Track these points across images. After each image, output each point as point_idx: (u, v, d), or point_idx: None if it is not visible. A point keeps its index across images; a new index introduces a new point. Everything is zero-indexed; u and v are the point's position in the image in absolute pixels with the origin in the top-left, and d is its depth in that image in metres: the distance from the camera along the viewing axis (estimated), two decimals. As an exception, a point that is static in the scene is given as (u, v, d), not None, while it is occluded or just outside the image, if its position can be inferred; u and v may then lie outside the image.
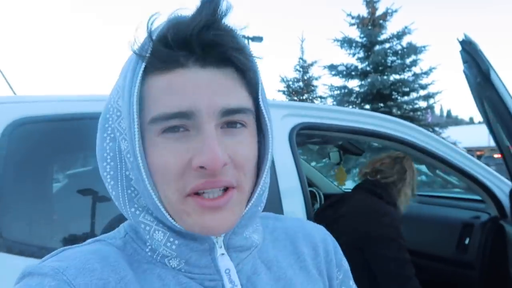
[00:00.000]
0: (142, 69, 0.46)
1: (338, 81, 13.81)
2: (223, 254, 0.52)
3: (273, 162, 1.51)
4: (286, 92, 16.35)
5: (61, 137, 1.37)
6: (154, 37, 0.45)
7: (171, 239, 0.50)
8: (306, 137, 2.38)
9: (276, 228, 0.63)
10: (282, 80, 16.20)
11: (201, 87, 0.45)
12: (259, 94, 0.51)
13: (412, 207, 2.69)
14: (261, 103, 0.51)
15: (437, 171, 2.14)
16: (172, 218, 0.48)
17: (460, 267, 2.12)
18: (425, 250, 2.35)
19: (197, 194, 0.46)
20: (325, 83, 14.90)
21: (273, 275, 0.56)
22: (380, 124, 1.84)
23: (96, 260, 0.48)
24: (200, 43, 0.45)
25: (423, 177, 4.85)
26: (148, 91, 0.47)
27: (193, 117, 0.45)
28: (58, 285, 0.44)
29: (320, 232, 0.66)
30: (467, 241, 2.11)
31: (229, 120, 0.47)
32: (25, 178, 1.28)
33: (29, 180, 1.30)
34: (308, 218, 1.52)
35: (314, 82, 16.34)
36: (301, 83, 16.19)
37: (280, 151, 1.56)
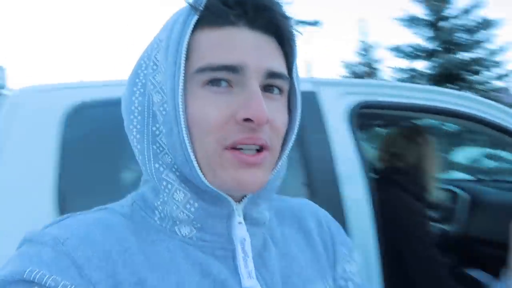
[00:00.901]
0: (194, 20, 0.47)
1: (404, 63, 13.09)
2: (240, 223, 0.52)
3: (329, 144, 1.36)
4: (349, 77, 15.87)
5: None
6: None
7: (191, 201, 0.49)
8: (368, 118, 2.17)
9: (281, 208, 0.63)
10: (345, 65, 15.73)
11: (249, 47, 0.47)
12: (294, 67, 0.53)
13: (491, 194, 2.39)
14: (294, 76, 0.53)
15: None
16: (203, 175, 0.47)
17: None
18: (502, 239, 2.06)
19: (234, 149, 0.46)
20: (389, 65, 14.20)
21: (280, 251, 0.57)
22: (456, 102, 1.59)
23: (99, 230, 0.47)
24: (254, 5, 0.47)
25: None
26: (196, 44, 0.47)
27: (240, 72, 0.46)
28: (56, 258, 0.43)
29: (322, 211, 0.67)
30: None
31: (270, 83, 0.48)
32: (87, 162, 1.28)
33: (92, 165, 1.29)
34: (374, 207, 1.34)
35: (378, 65, 15.72)
36: (364, 67, 15.63)
37: (338, 132, 1.39)
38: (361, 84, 1.56)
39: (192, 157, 0.46)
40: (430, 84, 11.63)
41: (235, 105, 0.46)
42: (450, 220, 2.43)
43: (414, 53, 11.95)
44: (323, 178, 1.33)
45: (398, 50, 12.16)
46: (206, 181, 0.47)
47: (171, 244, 0.49)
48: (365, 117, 2.11)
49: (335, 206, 1.29)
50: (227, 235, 0.51)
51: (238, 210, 0.52)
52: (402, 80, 12.43)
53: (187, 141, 0.46)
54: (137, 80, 0.51)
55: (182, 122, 0.46)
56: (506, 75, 11.50)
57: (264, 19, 0.48)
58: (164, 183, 0.49)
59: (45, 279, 0.41)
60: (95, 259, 0.45)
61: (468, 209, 2.36)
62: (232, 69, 0.46)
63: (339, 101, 1.44)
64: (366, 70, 14.87)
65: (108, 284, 0.44)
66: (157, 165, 0.50)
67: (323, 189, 1.31)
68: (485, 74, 11.67)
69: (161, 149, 0.50)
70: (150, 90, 0.49)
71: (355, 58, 15.18)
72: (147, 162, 0.50)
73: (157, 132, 0.49)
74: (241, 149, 0.47)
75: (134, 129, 0.51)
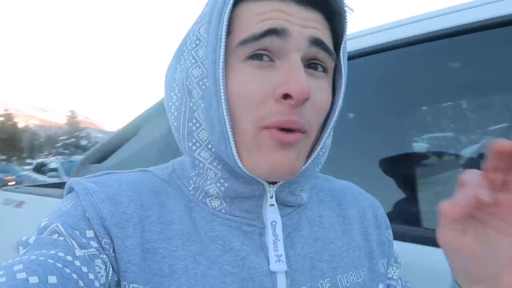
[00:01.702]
0: None
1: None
2: (272, 205, 0.51)
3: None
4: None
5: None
6: None
7: (222, 180, 0.49)
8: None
9: (323, 189, 0.61)
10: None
11: (294, 17, 0.46)
12: (342, 47, 0.50)
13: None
14: (342, 56, 0.50)
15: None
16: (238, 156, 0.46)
17: None
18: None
19: (271, 128, 0.46)
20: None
21: (314, 234, 0.55)
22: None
23: (128, 193, 0.49)
24: None
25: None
26: (239, 17, 0.47)
27: (283, 37, 0.44)
28: (85, 206, 0.47)
29: (369, 198, 0.64)
30: None
31: (314, 55, 0.47)
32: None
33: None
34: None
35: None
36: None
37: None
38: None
39: (230, 134, 0.45)
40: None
41: (277, 80, 0.45)
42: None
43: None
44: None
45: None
46: (239, 162, 0.46)
47: (199, 213, 0.50)
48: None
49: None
50: (257, 214, 0.51)
51: (270, 192, 0.51)
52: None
53: (226, 117, 0.45)
54: (181, 57, 0.51)
55: (222, 97, 0.45)
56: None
57: None
58: (197, 161, 0.50)
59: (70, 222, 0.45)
60: (116, 217, 0.47)
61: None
62: (275, 32, 0.44)
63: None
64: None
65: (126, 243, 0.46)
66: (190, 144, 0.50)
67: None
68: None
69: (197, 125, 0.49)
70: (190, 64, 0.49)
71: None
72: (181, 140, 0.51)
73: (194, 108, 0.49)
74: (281, 129, 0.45)
75: (173, 106, 0.51)
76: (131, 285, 0.45)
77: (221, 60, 0.45)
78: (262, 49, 0.45)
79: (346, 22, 0.49)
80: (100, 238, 0.45)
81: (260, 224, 0.51)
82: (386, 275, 0.59)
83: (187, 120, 0.50)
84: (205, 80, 0.47)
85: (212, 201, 0.51)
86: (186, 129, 0.50)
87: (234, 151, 0.46)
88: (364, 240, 0.58)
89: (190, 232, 0.49)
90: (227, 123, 0.45)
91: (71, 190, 0.51)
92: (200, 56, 0.48)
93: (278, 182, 0.50)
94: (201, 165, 0.50)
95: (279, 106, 0.44)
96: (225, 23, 0.45)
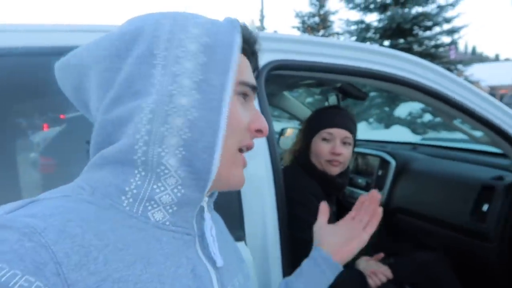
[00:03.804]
0: (241, 39, 0.57)
1: (356, 15, 12.91)
2: (207, 212, 0.61)
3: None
4: (301, 29, 15.59)
5: None
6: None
7: (179, 187, 0.52)
8: (292, 78, 1.95)
9: None
10: (297, 15, 15.36)
11: None
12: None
13: (419, 161, 2.29)
14: None
15: (455, 122, 1.68)
16: None
17: (475, 237, 1.72)
18: (432, 214, 1.97)
19: (241, 151, 0.59)
20: (342, 18, 13.93)
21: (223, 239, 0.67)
22: (378, 61, 1.39)
23: (77, 222, 0.45)
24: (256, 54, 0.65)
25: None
26: (237, 60, 0.56)
27: (254, 94, 0.61)
28: (34, 248, 0.40)
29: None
30: (485, 208, 1.71)
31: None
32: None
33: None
34: (275, 182, 1.16)
35: (331, 17, 15.47)
36: (316, 18, 15.33)
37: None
38: (274, 39, 1.30)
39: (220, 147, 0.52)
40: (381, 38, 11.58)
41: (249, 117, 0.59)
42: (377, 189, 2.33)
43: (366, 4, 11.72)
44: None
45: (350, 1, 11.88)
46: (215, 170, 0.52)
47: (147, 232, 0.51)
48: (277, 80, 1.89)
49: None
50: (191, 224, 0.56)
51: (207, 200, 0.62)
52: (353, 33, 12.28)
53: (223, 132, 0.52)
54: (155, 62, 0.53)
55: (226, 115, 0.52)
56: (454, 31, 11.61)
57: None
58: (162, 167, 0.51)
59: (16, 279, 0.37)
60: (75, 256, 0.42)
61: (393, 177, 2.25)
62: (255, 89, 0.61)
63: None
64: (317, 22, 14.59)
65: (90, 282, 0.42)
66: (160, 149, 0.51)
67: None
68: (434, 30, 11.73)
69: (170, 130, 0.51)
70: (180, 72, 0.52)
71: (308, 9, 14.82)
72: (150, 144, 0.51)
73: (170, 112, 0.51)
74: (242, 152, 0.60)
75: (148, 108, 0.51)
76: None
77: (230, 85, 0.53)
78: (246, 93, 0.59)
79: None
80: None
81: (194, 233, 0.57)
82: (249, 276, 0.73)
83: (160, 123, 0.51)
84: (198, 92, 0.52)
85: (154, 214, 0.52)
86: (158, 134, 0.51)
87: (217, 161, 0.52)
88: (233, 250, 0.71)
89: (146, 255, 0.49)
90: (221, 137, 0.52)
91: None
92: (190, 68, 0.52)
93: (209, 192, 0.60)
94: (165, 171, 0.51)
95: (250, 134, 0.60)
96: (236, 57, 0.54)
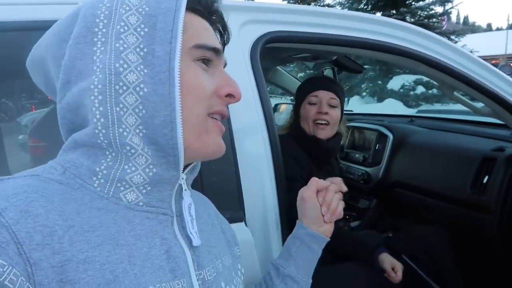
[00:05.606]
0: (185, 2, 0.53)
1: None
2: (186, 190, 0.58)
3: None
4: (291, 1, 15.30)
5: None
6: None
7: (151, 166, 0.51)
8: (287, 51, 1.88)
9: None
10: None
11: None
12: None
13: (417, 134, 2.26)
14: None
15: (456, 93, 1.63)
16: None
17: (475, 210, 1.70)
18: (431, 187, 1.95)
19: (212, 118, 0.56)
20: (332, -12, 13.67)
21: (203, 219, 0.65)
22: (381, 31, 1.33)
23: (40, 203, 0.44)
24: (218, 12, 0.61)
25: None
26: (187, 23, 0.54)
27: (219, 56, 0.58)
28: None
29: (204, 197, 0.75)
30: (485, 180, 1.69)
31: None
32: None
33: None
34: (274, 161, 1.12)
35: (322, -12, 15.20)
36: (307, -11, 15.06)
37: (237, 74, 1.09)
38: (270, 9, 1.23)
39: (179, 118, 0.50)
40: (373, 10, 11.39)
41: (216, 83, 0.56)
42: (375, 163, 2.30)
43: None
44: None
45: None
46: (181, 143, 0.50)
47: (117, 213, 0.50)
48: (270, 54, 1.82)
49: (229, 168, 1.04)
50: (169, 203, 0.55)
51: (184, 177, 0.58)
52: (344, 4, 12.07)
53: (178, 103, 0.50)
54: (95, 39, 0.51)
55: (178, 85, 0.50)
56: (447, 1, 11.45)
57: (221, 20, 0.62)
58: (128, 147, 0.50)
59: None
60: (37, 235, 0.41)
61: (391, 151, 2.22)
62: (217, 51, 0.57)
63: (240, 33, 1.14)
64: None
65: (53, 261, 0.41)
66: (121, 130, 0.49)
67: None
68: (426, 0, 11.56)
69: (125, 110, 0.49)
70: (122, 48, 0.50)
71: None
72: (110, 126, 0.49)
73: (121, 91, 0.49)
74: (216, 119, 0.57)
75: (96, 89, 0.50)
76: None
77: (177, 53, 0.50)
78: (207, 58, 0.55)
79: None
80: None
81: (171, 213, 0.55)
82: (240, 258, 0.73)
83: (113, 104, 0.49)
84: (144, 66, 0.50)
85: (127, 195, 0.51)
86: (115, 114, 0.49)
87: (180, 133, 0.50)
88: (222, 232, 0.69)
89: (116, 237, 0.48)
90: (178, 109, 0.50)
91: None
92: (133, 42, 0.50)
93: (188, 167, 0.58)
94: (132, 151, 0.50)
95: (220, 100, 0.56)
96: (181, 23, 0.51)
